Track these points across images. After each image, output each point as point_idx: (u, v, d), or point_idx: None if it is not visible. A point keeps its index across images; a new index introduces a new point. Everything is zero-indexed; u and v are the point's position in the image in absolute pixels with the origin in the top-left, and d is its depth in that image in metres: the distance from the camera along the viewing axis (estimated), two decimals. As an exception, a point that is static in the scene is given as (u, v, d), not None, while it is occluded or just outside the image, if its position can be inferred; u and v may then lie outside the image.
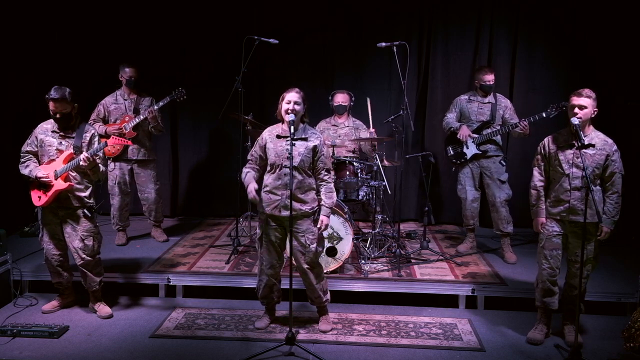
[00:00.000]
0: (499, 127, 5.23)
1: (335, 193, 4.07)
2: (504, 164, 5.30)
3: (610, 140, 3.80)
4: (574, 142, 3.78)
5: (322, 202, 4.00)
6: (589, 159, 3.75)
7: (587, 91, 3.75)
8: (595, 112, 3.77)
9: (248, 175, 3.99)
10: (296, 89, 3.93)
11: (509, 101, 5.39)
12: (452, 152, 5.43)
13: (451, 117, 5.41)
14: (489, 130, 5.25)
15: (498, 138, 5.29)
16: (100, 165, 4.19)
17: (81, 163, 4.04)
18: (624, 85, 6.03)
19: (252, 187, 3.90)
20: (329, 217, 4.02)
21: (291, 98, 3.88)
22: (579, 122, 3.71)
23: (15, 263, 4.82)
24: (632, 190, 5.55)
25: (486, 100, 5.31)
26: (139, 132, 5.49)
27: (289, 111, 3.86)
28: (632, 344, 3.66)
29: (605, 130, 3.90)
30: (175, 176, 6.95)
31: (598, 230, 3.82)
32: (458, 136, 5.28)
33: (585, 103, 3.72)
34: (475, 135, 5.27)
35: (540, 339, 4.02)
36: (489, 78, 5.24)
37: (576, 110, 3.73)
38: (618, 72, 6.06)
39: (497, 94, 5.38)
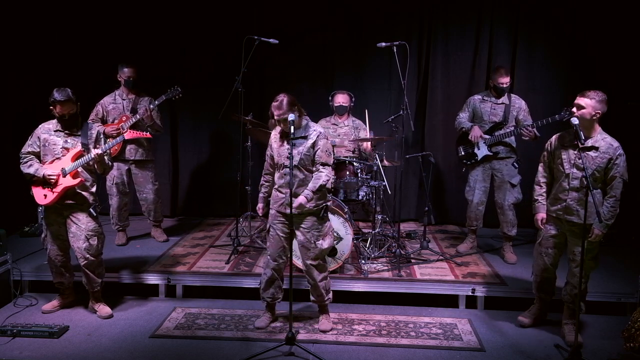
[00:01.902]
0: (511, 129, 5.18)
1: (321, 181, 3.95)
2: (517, 166, 5.23)
3: (615, 144, 3.77)
4: (576, 142, 3.77)
5: (307, 187, 3.96)
6: (589, 161, 3.75)
7: (591, 93, 3.74)
8: (598, 115, 3.75)
9: (260, 195, 4.29)
10: (277, 103, 3.88)
11: (524, 102, 5.29)
12: (462, 153, 5.39)
13: (463, 117, 5.37)
14: (501, 132, 5.19)
15: (511, 139, 5.23)
16: (105, 157, 4.22)
17: (92, 155, 4.08)
18: (624, 85, 6.03)
19: (260, 206, 4.32)
20: (307, 199, 3.90)
21: (274, 111, 3.89)
22: (578, 122, 3.69)
23: (15, 263, 4.82)
24: (633, 191, 5.55)
25: (500, 101, 5.25)
26: (137, 130, 5.47)
27: (290, 115, 3.86)
28: (632, 344, 3.66)
29: (605, 130, 3.89)
30: (175, 176, 6.95)
31: (590, 231, 3.80)
32: (470, 137, 5.23)
33: (583, 103, 3.73)
34: (487, 136, 5.23)
35: (526, 322, 4.23)
36: (504, 81, 5.16)
37: (574, 109, 3.76)
38: (618, 72, 6.05)
39: (512, 95, 5.32)
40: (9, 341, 3.95)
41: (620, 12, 6.01)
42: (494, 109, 5.26)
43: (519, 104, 5.26)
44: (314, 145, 3.97)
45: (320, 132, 4.03)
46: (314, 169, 4.01)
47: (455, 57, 6.45)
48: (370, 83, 6.57)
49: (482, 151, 5.26)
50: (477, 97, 5.38)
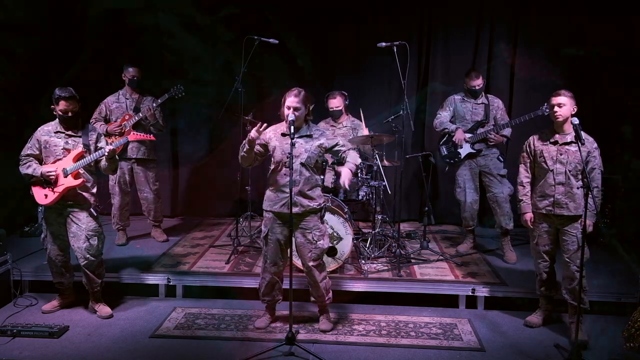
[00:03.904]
0: (492, 127, 5.25)
1: (359, 158, 4.13)
2: (502, 160, 5.31)
3: (590, 138, 3.96)
4: (557, 139, 3.98)
5: (347, 160, 3.98)
6: (570, 155, 3.94)
7: (565, 91, 3.96)
8: (575, 110, 3.93)
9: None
10: (295, 92, 3.88)
11: (500, 102, 5.41)
12: (445, 152, 5.44)
13: (445, 116, 5.42)
14: (482, 130, 5.27)
15: (491, 136, 5.28)
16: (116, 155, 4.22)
17: (106, 151, 4.06)
18: (624, 85, 6.03)
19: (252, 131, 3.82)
20: (351, 172, 3.95)
21: (290, 103, 3.85)
22: (562, 119, 3.91)
23: (15, 263, 4.82)
24: (633, 191, 5.55)
25: (479, 101, 5.35)
26: (139, 130, 5.48)
27: (289, 115, 3.85)
28: (632, 344, 3.65)
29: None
30: (175, 176, 6.95)
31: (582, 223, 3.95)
32: (454, 140, 5.29)
33: (563, 101, 3.91)
34: (469, 135, 5.28)
35: (536, 322, 4.24)
36: (476, 83, 5.27)
37: (555, 108, 3.93)
38: (618, 72, 6.05)
39: (488, 95, 5.43)
40: (9, 341, 3.95)
41: (621, 12, 6.00)
42: (475, 108, 5.35)
43: (497, 104, 5.37)
44: (321, 146, 3.97)
45: (324, 131, 4.08)
46: (343, 155, 4.02)
47: (455, 57, 6.46)
48: (370, 83, 6.57)
49: (465, 149, 5.32)
50: (457, 97, 5.44)
